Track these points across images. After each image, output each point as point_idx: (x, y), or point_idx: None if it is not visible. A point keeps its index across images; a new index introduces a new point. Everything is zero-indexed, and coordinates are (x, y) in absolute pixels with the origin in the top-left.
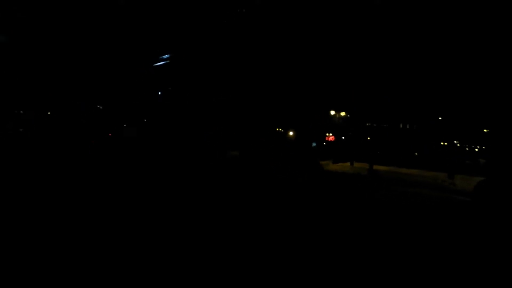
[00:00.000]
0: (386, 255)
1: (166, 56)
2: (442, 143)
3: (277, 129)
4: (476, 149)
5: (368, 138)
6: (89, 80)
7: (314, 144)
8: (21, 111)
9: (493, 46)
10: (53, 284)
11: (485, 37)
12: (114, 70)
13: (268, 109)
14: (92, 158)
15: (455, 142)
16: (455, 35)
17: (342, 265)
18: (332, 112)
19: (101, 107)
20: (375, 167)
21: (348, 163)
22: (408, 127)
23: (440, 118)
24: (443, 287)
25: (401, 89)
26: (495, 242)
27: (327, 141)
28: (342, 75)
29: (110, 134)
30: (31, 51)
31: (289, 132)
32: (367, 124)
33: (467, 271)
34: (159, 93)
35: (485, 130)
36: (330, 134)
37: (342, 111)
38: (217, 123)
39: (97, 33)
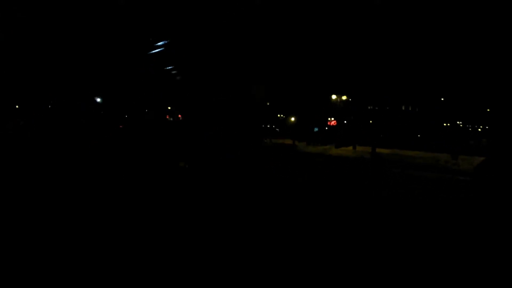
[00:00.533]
0: (386, 241)
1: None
2: (445, 124)
3: (279, 115)
4: (479, 129)
5: (370, 122)
6: (89, 78)
7: (316, 129)
8: (22, 110)
9: (497, 27)
10: (53, 284)
11: (488, 19)
12: (117, 67)
13: (269, 97)
14: (93, 158)
15: (458, 122)
16: (456, 17)
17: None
18: (334, 97)
19: (100, 108)
20: (378, 150)
21: (351, 147)
22: (410, 109)
23: (442, 99)
24: (445, 270)
25: (402, 71)
26: (495, 222)
27: (329, 126)
28: (343, 59)
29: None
30: (30, 47)
31: (290, 117)
32: (369, 108)
33: (467, 253)
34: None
35: (488, 110)
36: (332, 119)
37: (343, 95)
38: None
39: (95, 30)
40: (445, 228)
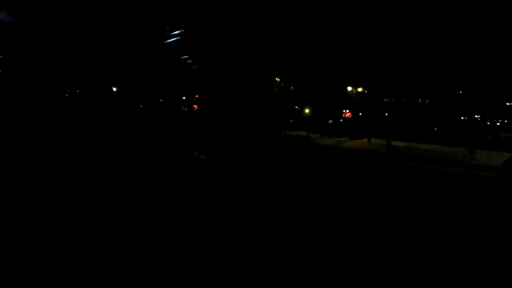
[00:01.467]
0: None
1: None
2: (462, 118)
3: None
4: (498, 123)
5: (386, 114)
6: (104, 70)
7: (330, 121)
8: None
9: None
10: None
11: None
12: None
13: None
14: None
15: (476, 116)
16: (474, 8)
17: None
18: (349, 88)
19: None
20: (393, 143)
21: (366, 140)
22: (427, 102)
23: (460, 92)
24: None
25: (419, 63)
26: None
27: (344, 118)
28: (359, 50)
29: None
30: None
31: (305, 109)
32: (385, 100)
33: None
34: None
35: (507, 104)
36: (347, 111)
37: (359, 87)
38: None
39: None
40: (469, 229)
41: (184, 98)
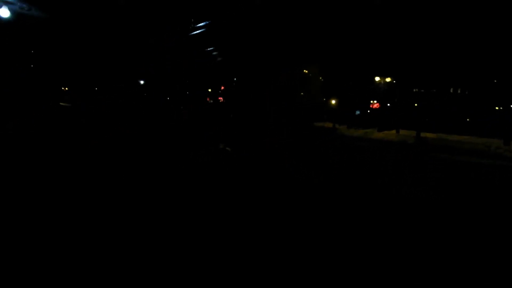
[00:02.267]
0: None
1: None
2: (496, 108)
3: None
4: None
5: (415, 105)
6: (130, 62)
7: (357, 112)
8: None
9: None
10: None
11: None
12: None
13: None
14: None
15: (511, 106)
16: None
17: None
18: (377, 78)
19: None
20: (422, 134)
21: (394, 131)
22: (459, 91)
23: (495, 81)
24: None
25: (450, 51)
26: None
27: (372, 109)
28: (387, 39)
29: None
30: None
31: (331, 100)
32: (414, 90)
33: None
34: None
35: None
36: (375, 102)
37: (387, 77)
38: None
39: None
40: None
41: (210, 90)
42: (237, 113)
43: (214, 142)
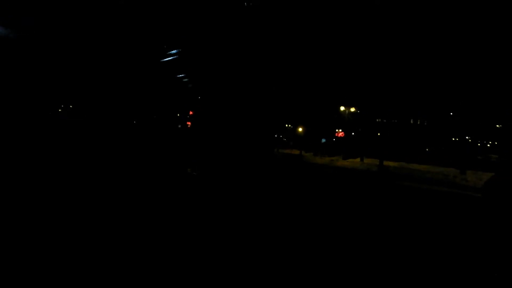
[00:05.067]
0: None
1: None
2: (453, 139)
3: (286, 125)
4: (488, 145)
5: (378, 134)
6: (98, 85)
7: (323, 140)
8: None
9: (503, 42)
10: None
11: (497, 32)
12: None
13: (276, 106)
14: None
15: (466, 137)
16: (464, 30)
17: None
18: (342, 108)
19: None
20: (385, 162)
21: (358, 159)
22: (418, 122)
23: (451, 114)
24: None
25: (411, 84)
26: (503, 239)
27: (337, 137)
28: (352, 70)
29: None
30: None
31: (298, 128)
32: (377, 120)
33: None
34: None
35: (497, 126)
36: (340, 130)
37: (352, 107)
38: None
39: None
40: (451, 244)
41: (178, 115)
42: (204, 138)
43: (181, 167)
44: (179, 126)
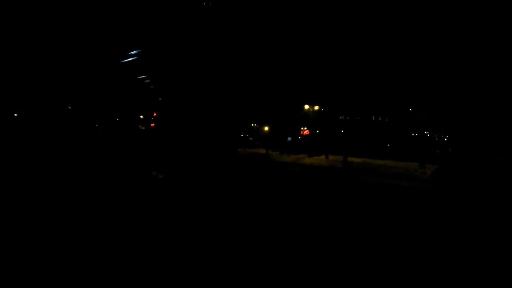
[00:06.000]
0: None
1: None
2: (413, 134)
3: (252, 124)
4: (446, 139)
5: (342, 131)
6: (61, 86)
7: (289, 139)
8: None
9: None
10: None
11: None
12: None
13: (242, 106)
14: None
15: (425, 132)
16: (428, 24)
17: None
18: (306, 106)
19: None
20: (349, 159)
21: (323, 156)
22: (380, 119)
23: (410, 110)
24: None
25: (371, 82)
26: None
27: (302, 135)
28: (315, 69)
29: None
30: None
31: (264, 127)
32: (341, 118)
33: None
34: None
35: (453, 119)
36: (305, 128)
37: (315, 105)
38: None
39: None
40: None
41: (142, 116)
42: (168, 140)
43: (146, 169)
44: (143, 127)
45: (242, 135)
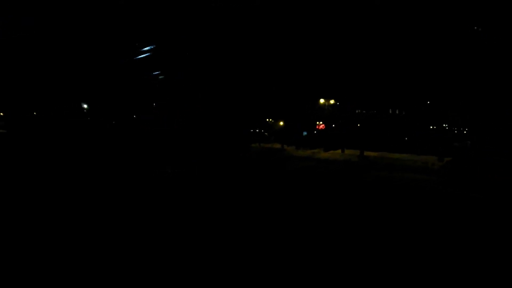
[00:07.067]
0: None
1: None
2: (431, 127)
3: (267, 119)
4: (465, 132)
5: (358, 125)
6: (73, 84)
7: (305, 133)
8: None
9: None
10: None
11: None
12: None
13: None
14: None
15: (444, 125)
16: (437, 21)
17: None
18: (322, 101)
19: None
20: (366, 153)
21: (339, 150)
22: (397, 112)
23: (428, 102)
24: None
25: (388, 75)
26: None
27: (318, 130)
28: (331, 63)
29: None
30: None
31: (279, 122)
32: (357, 111)
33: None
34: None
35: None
36: (321, 123)
37: (331, 99)
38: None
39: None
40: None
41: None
42: (184, 137)
43: (161, 165)
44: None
45: (257, 131)
